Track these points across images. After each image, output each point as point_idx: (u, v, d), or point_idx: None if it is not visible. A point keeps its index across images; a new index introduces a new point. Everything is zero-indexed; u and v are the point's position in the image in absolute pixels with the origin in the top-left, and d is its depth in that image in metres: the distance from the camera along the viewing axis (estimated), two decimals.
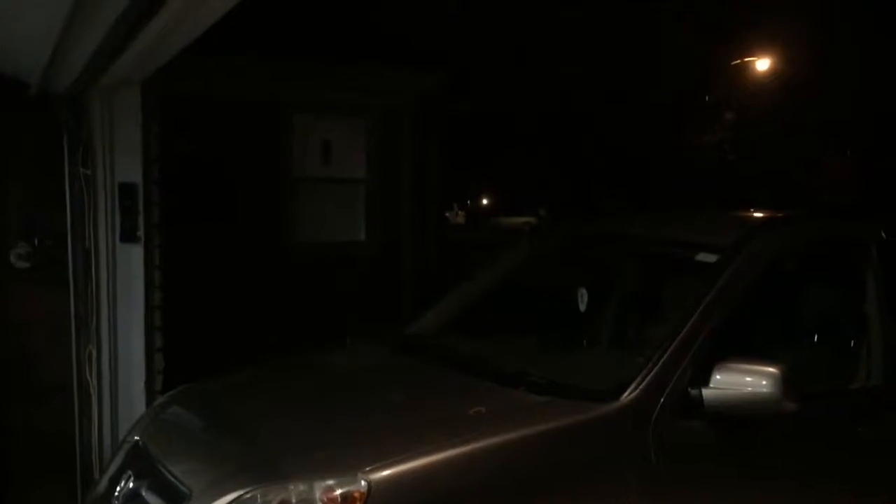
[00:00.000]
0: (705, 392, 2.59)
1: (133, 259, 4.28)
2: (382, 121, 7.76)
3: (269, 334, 5.93)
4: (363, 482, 2.26)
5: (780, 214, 3.47)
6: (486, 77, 15.96)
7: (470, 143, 20.19)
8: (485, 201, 47.26)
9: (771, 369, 2.55)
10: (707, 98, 19.07)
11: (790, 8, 16.41)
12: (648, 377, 2.62)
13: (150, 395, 4.27)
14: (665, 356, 2.65)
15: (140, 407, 4.19)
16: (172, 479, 2.63)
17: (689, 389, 2.61)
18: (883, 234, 3.08)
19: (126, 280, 4.28)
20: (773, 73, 18.31)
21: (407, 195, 7.95)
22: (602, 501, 2.53)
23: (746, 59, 18.13)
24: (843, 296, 3.24)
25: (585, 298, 3.65)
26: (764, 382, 2.54)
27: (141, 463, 2.91)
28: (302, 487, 2.31)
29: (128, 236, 4.24)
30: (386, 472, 2.30)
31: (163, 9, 2.55)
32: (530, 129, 21.47)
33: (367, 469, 2.29)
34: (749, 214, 3.63)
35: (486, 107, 17.77)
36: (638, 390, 2.60)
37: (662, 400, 2.60)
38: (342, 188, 7.72)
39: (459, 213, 43.08)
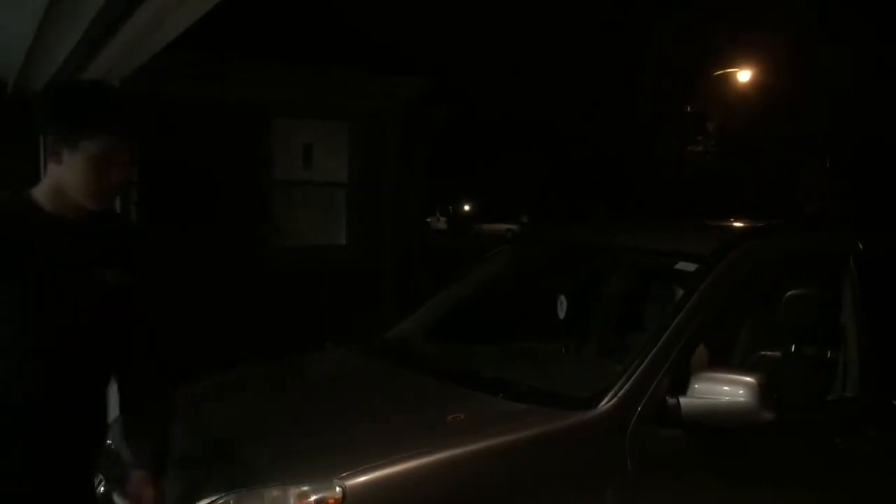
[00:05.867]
0: (683, 401, 2.58)
1: None
2: (365, 125, 7.75)
3: (247, 338, 5.89)
4: (338, 488, 2.24)
5: (759, 224, 3.48)
6: (470, 85, 16.02)
7: (453, 149, 20.24)
8: (467, 207, 47.35)
9: (748, 379, 2.55)
10: (689, 108, 19.21)
11: (771, 21, 16.58)
12: (626, 386, 2.61)
13: (123, 398, 4.20)
14: (643, 365, 2.64)
15: (115, 410, 4.13)
16: None
17: (667, 398, 2.60)
18: (860, 246, 3.09)
19: None
20: (754, 85, 18.47)
21: (388, 200, 7.93)
22: None
23: (728, 71, 18.29)
24: (821, 306, 3.25)
25: (565, 306, 3.65)
26: (741, 392, 2.53)
27: (113, 468, 2.87)
28: (276, 493, 2.29)
29: None
30: (361, 479, 2.28)
31: (140, 9, 2.52)
32: (515, 137, 21.53)
33: (343, 475, 2.26)
34: (729, 224, 3.63)
35: (471, 114, 17.82)
36: (616, 398, 2.59)
37: (640, 408, 2.59)
38: (323, 192, 7.70)
39: (441, 218, 43.13)
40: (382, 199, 7.89)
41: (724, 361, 3.32)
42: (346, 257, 7.70)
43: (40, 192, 2.00)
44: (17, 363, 1.94)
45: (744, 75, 18.18)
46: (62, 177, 1.96)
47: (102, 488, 2.78)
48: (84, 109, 1.95)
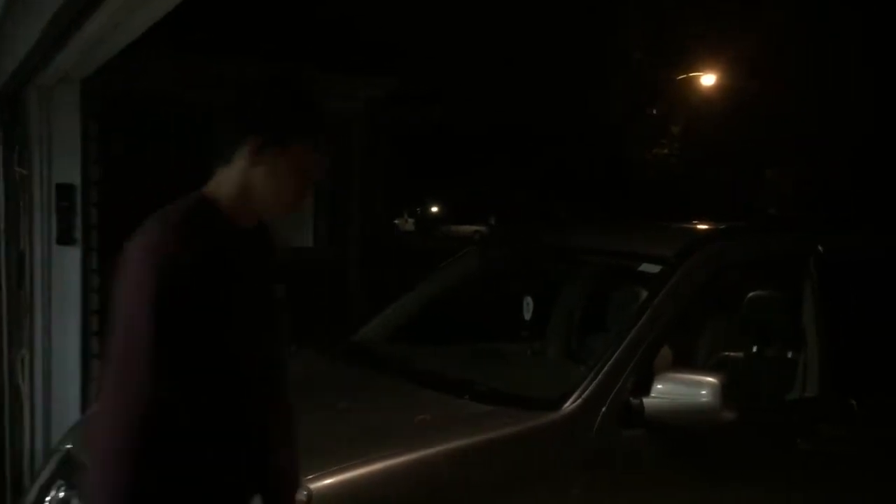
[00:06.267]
0: (646, 401, 2.61)
1: (69, 262, 4.15)
2: (332, 125, 7.70)
3: None
4: (303, 492, 2.22)
5: (722, 227, 3.52)
6: (439, 87, 16.03)
7: (422, 150, 20.24)
8: (435, 209, 47.36)
9: (710, 379, 2.58)
10: (654, 111, 19.41)
11: (735, 25, 16.82)
12: (591, 387, 2.63)
13: (86, 402, 4.15)
14: (607, 366, 2.67)
15: (74, 414, 4.07)
16: None
17: (631, 399, 2.63)
18: (820, 248, 3.14)
19: (62, 283, 4.15)
20: (718, 88, 18.73)
21: (355, 202, 7.90)
22: None
23: (692, 75, 18.52)
24: (782, 308, 3.30)
25: (531, 307, 3.66)
26: (703, 392, 2.57)
27: (72, 473, 2.82)
28: None
29: (64, 238, 4.12)
30: (327, 482, 2.27)
31: (101, 7, 2.49)
32: (483, 139, 21.61)
33: (308, 478, 2.25)
34: (692, 226, 3.68)
35: (440, 116, 17.83)
36: (580, 399, 2.61)
37: (604, 409, 2.61)
38: None
39: (409, 220, 43.09)
40: (349, 200, 7.86)
41: (688, 362, 3.36)
42: (313, 259, 7.65)
43: (222, 195, 1.75)
44: (219, 390, 1.69)
45: (708, 79, 18.42)
46: (254, 180, 1.72)
47: (62, 493, 2.74)
48: (305, 110, 1.79)
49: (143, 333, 1.55)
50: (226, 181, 1.75)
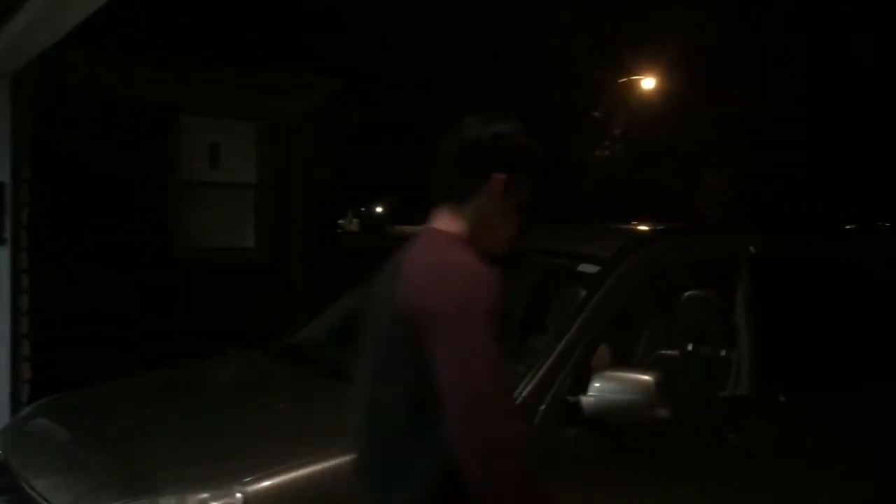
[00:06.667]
0: (584, 400, 2.64)
1: None
2: (275, 125, 7.63)
3: (150, 343, 5.73)
4: (238, 495, 2.20)
5: (659, 228, 3.59)
6: (385, 88, 15.98)
7: (367, 150, 20.15)
8: (380, 209, 47.21)
9: (645, 377, 2.62)
10: (597, 114, 19.67)
11: (676, 29, 17.15)
12: (529, 386, 2.66)
13: (16, 406, 4.04)
14: (545, 365, 2.70)
15: (3, 418, 3.96)
16: (35, 495, 2.50)
17: (569, 397, 2.66)
18: (752, 250, 3.22)
19: None
20: (658, 91, 19.08)
21: (299, 202, 7.83)
22: None
23: (633, 78, 18.83)
24: (716, 307, 3.37)
25: None
26: (639, 390, 2.61)
27: (2, 478, 2.74)
28: (173, 502, 2.23)
29: None
30: (263, 484, 2.25)
31: (23, 7, 2.42)
32: (428, 139, 21.61)
33: (244, 481, 2.22)
34: (631, 227, 3.74)
35: (385, 116, 17.78)
36: (519, 399, 2.63)
37: (543, 408, 2.63)
38: (231, 193, 7.55)
39: (354, 220, 42.86)
40: (292, 200, 7.78)
41: (626, 360, 3.41)
42: (254, 259, 7.56)
43: (458, 231, 1.78)
44: None
45: (648, 82, 18.77)
46: (491, 216, 1.78)
47: None
48: (539, 153, 1.86)
49: (503, 376, 1.61)
50: (462, 217, 1.77)
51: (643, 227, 3.72)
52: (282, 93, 7.56)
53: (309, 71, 7.62)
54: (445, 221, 1.78)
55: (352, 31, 10.25)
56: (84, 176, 6.28)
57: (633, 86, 19.10)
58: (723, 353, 3.34)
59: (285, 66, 7.38)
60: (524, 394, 2.63)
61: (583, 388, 2.66)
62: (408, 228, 37.15)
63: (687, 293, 3.48)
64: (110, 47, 6.08)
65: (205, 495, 2.22)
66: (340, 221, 30.40)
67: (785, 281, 3.23)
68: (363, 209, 45.85)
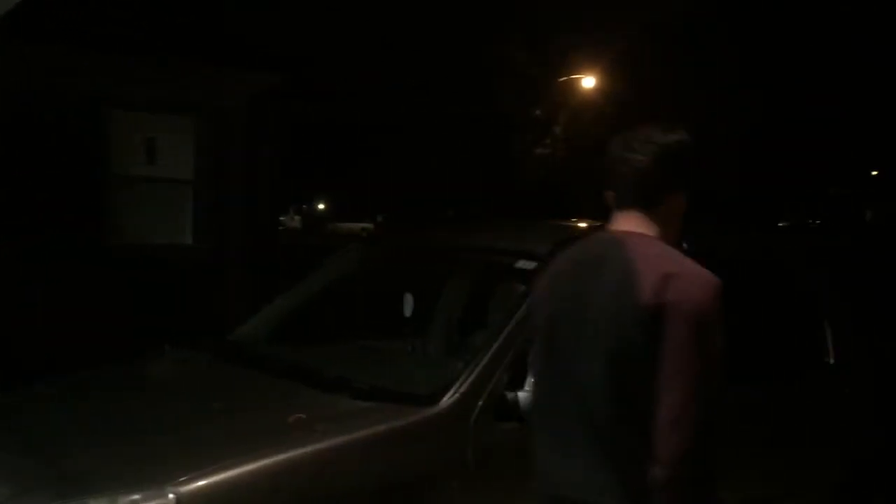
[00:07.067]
0: (521, 395, 2.66)
1: None
2: (213, 120, 7.52)
3: (85, 341, 5.59)
4: (171, 495, 2.16)
5: (594, 224, 3.63)
6: (326, 83, 15.86)
7: (309, 147, 19.98)
8: (322, 206, 46.86)
9: None
10: (538, 113, 19.86)
11: (616, 30, 17.41)
12: (467, 382, 2.67)
13: None
14: (484, 361, 2.71)
15: None
16: None
17: (507, 393, 2.68)
18: (684, 246, 3.28)
19: None
20: (598, 91, 19.35)
21: (237, 198, 7.73)
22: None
23: (573, 77, 19.07)
24: None
25: (411, 304, 3.68)
26: None
27: None
28: (104, 503, 2.18)
29: None
30: (197, 484, 2.21)
31: None
32: (371, 136, 21.53)
33: (176, 482, 2.19)
34: (568, 223, 3.77)
35: (327, 113, 17.65)
36: (458, 394, 2.65)
37: (481, 403, 2.65)
38: (168, 188, 7.41)
39: (296, 217, 42.46)
40: (231, 196, 7.68)
41: None
42: (192, 256, 7.44)
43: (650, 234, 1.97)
44: None
45: (588, 81, 19.04)
46: (670, 224, 1.98)
47: None
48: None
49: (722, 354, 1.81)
50: (653, 223, 1.96)
51: (580, 224, 3.76)
52: (220, 87, 7.45)
53: (249, 65, 7.52)
54: (643, 226, 1.95)
55: (294, 25, 10.14)
56: (12, 171, 6.10)
57: (573, 85, 19.33)
58: None
59: (224, 59, 7.28)
60: (461, 389, 2.65)
61: (520, 383, 2.69)
62: (350, 225, 36.97)
63: None
64: (40, 40, 5.92)
65: (136, 496, 2.18)
66: (282, 218, 30.10)
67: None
68: (305, 206, 45.47)
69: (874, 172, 31.77)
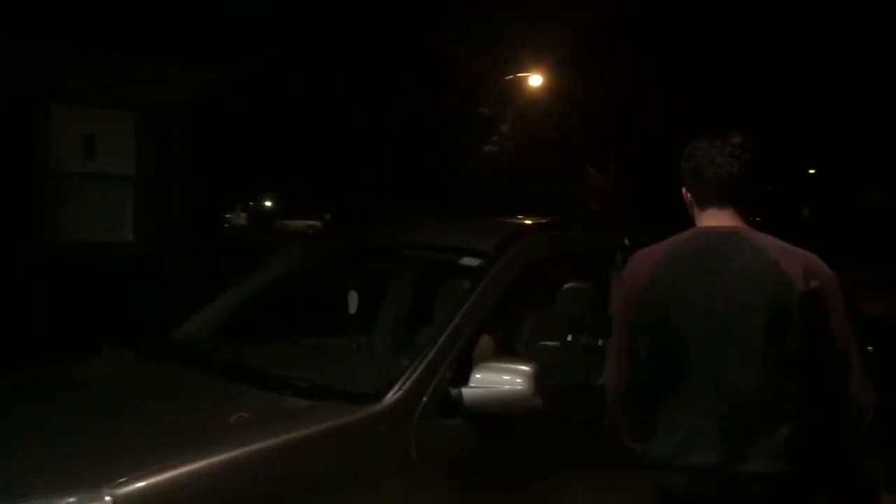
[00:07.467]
0: (465, 391, 2.68)
1: None
2: (156, 115, 7.38)
3: (18, 343, 5.45)
4: (108, 497, 2.12)
5: (539, 221, 3.66)
6: (276, 80, 15.70)
7: (257, 144, 19.74)
8: (269, 203, 46.36)
9: (524, 367, 2.68)
10: (486, 110, 19.94)
11: (562, 30, 17.57)
12: (411, 379, 2.67)
13: None
14: (427, 357, 2.72)
15: None
16: None
17: (451, 389, 2.69)
18: (626, 242, 3.34)
19: None
20: (544, 89, 19.50)
21: (180, 195, 7.60)
22: (368, 502, 2.54)
23: (520, 76, 19.19)
24: (592, 298, 3.48)
25: (355, 301, 3.66)
26: (518, 380, 2.66)
27: None
28: None
29: None
30: (134, 486, 2.17)
31: None
32: (319, 134, 21.38)
33: (113, 483, 2.15)
34: (512, 220, 3.80)
35: (276, 109, 17.46)
36: (401, 392, 2.64)
37: (425, 400, 2.65)
38: (107, 185, 7.25)
39: (242, 214, 41.93)
40: (174, 193, 7.54)
41: (511, 351, 3.48)
42: (133, 254, 7.29)
43: None
44: None
45: (535, 80, 19.18)
46: (746, 223, 2.23)
47: None
48: None
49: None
50: (741, 218, 2.22)
51: (524, 221, 3.79)
52: (162, 82, 7.31)
53: (192, 59, 7.40)
54: (737, 220, 2.22)
55: (239, 20, 10.01)
56: None
57: (520, 83, 19.46)
58: (600, 342, 3.45)
59: (166, 53, 7.14)
60: (405, 387, 2.65)
61: (465, 379, 2.70)
62: (296, 223, 36.62)
63: (566, 285, 3.58)
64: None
65: (72, 499, 2.13)
66: (228, 216, 29.69)
67: None
68: (252, 203, 44.94)
69: (811, 171, 32.65)
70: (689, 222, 2.32)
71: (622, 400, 2.32)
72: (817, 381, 2.09)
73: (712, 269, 2.11)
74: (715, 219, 2.22)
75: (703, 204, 2.23)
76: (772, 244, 2.13)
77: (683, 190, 2.29)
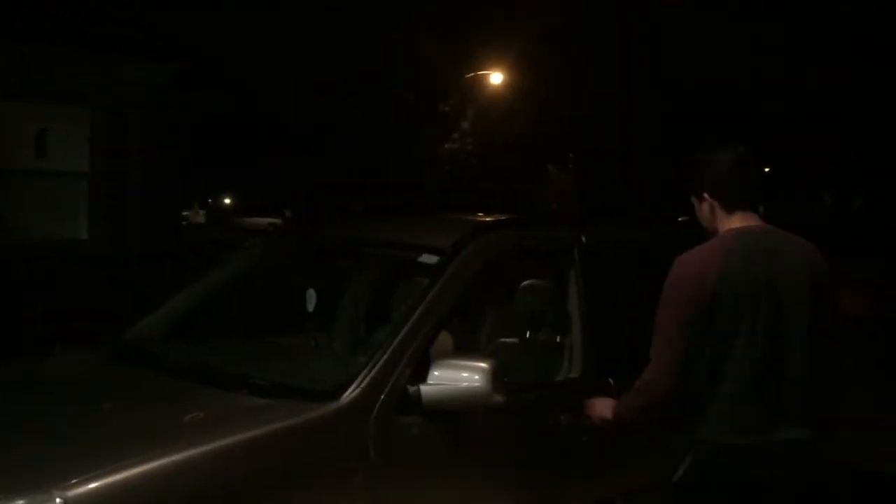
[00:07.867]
0: (423, 388, 2.68)
1: None
2: (110, 111, 7.27)
3: None
4: (58, 500, 2.08)
5: (497, 219, 3.68)
6: (234, 77, 15.52)
7: (215, 141, 19.52)
8: (228, 201, 45.87)
9: (482, 364, 2.69)
10: (446, 108, 19.94)
11: (522, 27, 17.64)
12: (369, 376, 2.66)
13: None
14: (385, 355, 2.71)
15: None
16: None
17: (409, 387, 2.69)
18: (583, 239, 3.37)
19: None
20: (505, 86, 19.56)
21: (137, 192, 7.50)
22: (327, 501, 2.53)
23: (480, 73, 19.22)
24: (551, 295, 3.50)
25: (314, 299, 3.64)
26: (477, 377, 2.67)
27: None
28: None
29: None
30: (86, 488, 2.13)
31: None
32: (278, 131, 21.21)
33: (64, 485, 2.11)
34: (471, 218, 3.81)
35: (235, 106, 17.25)
36: (359, 389, 2.64)
37: (383, 398, 2.65)
38: (60, 182, 7.12)
39: (200, 211, 41.43)
40: (130, 190, 7.44)
41: (471, 349, 3.49)
42: (89, 252, 7.17)
43: None
44: None
45: (496, 77, 19.22)
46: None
47: None
48: None
49: None
50: (759, 219, 2.56)
51: (483, 218, 3.80)
52: (118, 76, 7.20)
53: (148, 54, 7.29)
54: (758, 221, 2.54)
55: (199, 15, 9.89)
56: None
57: (481, 80, 19.49)
58: (558, 339, 3.48)
59: (122, 48, 7.03)
60: (363, 384, 2.64)
61: (423, 376, 2.70)
62: (256, 220, 36.27)
63: (525, 282, 3.60)
64: None
65: (21, 502, 2.09)
66: (186, 213, 29.32)
67: (614, 269, 3.39)
68: (210, 200, 44.41)
69: (766, 169, 33.19)
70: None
71: (665, 398, 2.52)
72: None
73: (769, 262, 2.41)
74: (746, 219, 2.51)
75: (732, 208, 2.52)
76: (795, 236, 2.52)
77: (700, 197, 2.58)
